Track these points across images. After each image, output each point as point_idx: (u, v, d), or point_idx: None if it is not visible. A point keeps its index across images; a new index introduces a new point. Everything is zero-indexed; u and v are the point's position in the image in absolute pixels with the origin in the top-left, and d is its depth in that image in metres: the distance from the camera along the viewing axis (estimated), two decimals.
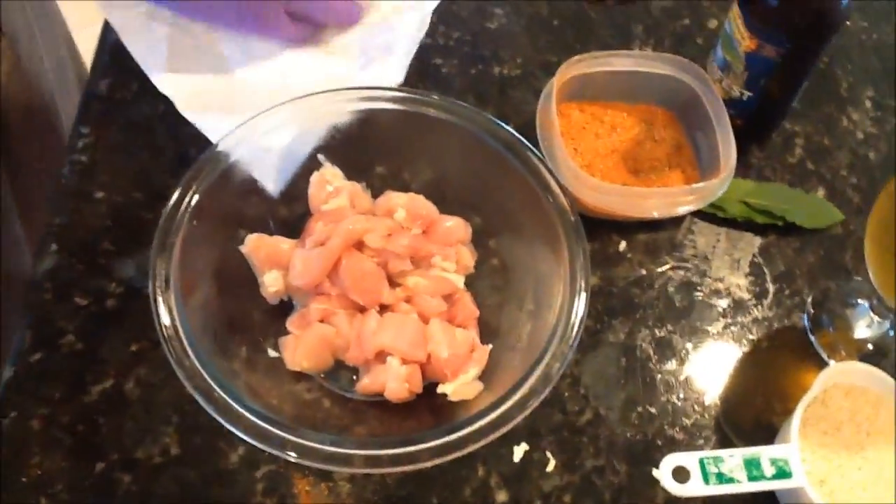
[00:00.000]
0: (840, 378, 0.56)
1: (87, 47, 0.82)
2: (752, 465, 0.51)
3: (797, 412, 0.53)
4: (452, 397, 0.54)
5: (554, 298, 0.54)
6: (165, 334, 0.50)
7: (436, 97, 0.60)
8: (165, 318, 0.51)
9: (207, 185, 0.56)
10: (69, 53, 0.92)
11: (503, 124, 0.59)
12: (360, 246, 0.57)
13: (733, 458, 0.51)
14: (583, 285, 0.54)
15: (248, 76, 0.69)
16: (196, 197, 0.55)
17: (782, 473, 0.51)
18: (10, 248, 0.79)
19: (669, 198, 0.65)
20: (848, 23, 0.83)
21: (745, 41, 0.65)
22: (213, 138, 0.63)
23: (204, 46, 0.69)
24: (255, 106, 0.59)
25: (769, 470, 0.51)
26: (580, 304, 0.53)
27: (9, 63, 0.75)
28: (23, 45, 0.79)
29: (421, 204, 0.60)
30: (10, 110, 0.76)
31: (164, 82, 0.66)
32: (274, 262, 0.58)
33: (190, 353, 0.50)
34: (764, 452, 0.52)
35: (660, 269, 0.66)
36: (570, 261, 0.54)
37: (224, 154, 0.57)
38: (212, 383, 0.48)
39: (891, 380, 0.55)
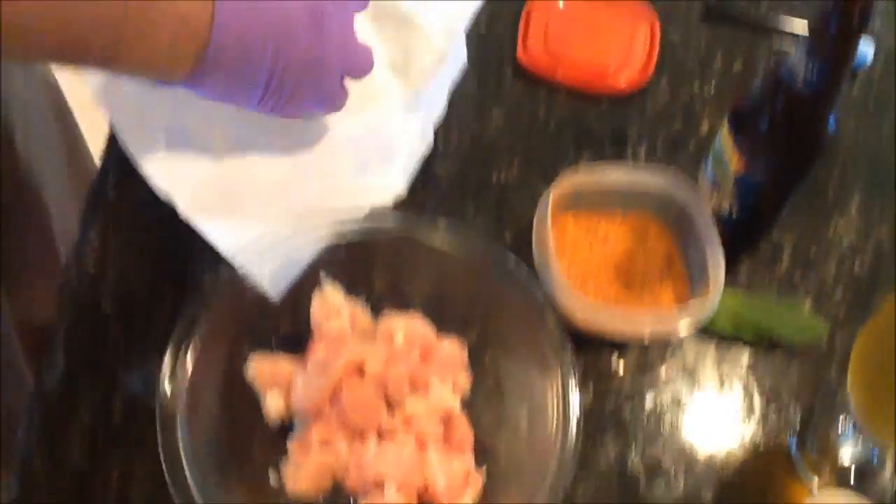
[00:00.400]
0: None
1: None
2: None
3: None
4: None
5: (545, 421, 0.56)
6: (167, 460, 0.52)
7: (435, 223, 0.62)
8: (170, 443, 0.52)
9: (215, 305, 0.58)
10: (66, 140, 0.94)
11: (500, 250, 0.61)
12: (360, 371, 0.59)
13: None
14: (575, 411, 0.56)
15: (248, 176, 0.70)
16: (205, 318, 0.57)
17: None
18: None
19: (660, 318, 0.67)
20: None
21: (735, 161, 0.68)
22: (216, 242, 0.65)
23: (203, 148, 0.70)
24: (256, 208, 0.62)
25: None
26: (572, 431, 0.55)
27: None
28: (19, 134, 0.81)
29: (419, 327, 0.62)
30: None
31: (163, 185, 0.68)
32: (276, 382, 0.60)
33: (189, 479, 0.51)
34: None
35: (649, 385, 0.68)
36: (562, 385, 0.56)
37: (232, 273, 0.59)
38: None
39: None
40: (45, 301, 0.89)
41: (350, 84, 0.70)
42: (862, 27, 0.56)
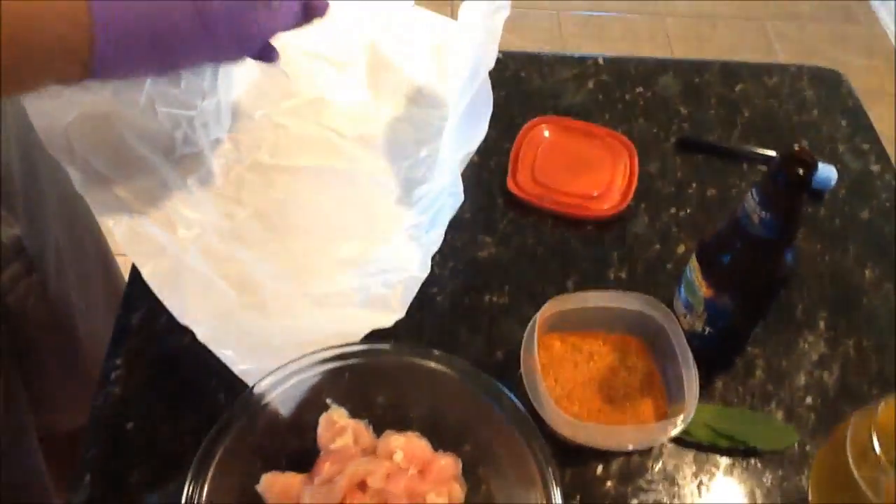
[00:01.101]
0: None
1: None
2: None
3: None
4: None
5: None
6: None
7: (427, 350, 0.69)
8: None
9: (236, 431, 0.64)
10: (102, 271, 1.02)
11: (485, 375, 0.68)
12: (363, 486, 0.65)
13: None
14: None
15: (261, 306, 0.78)
16: (224, 441, 0.63)
17: None
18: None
19: (641, 434, 0.73)
20: (803, 246, 0.93)
21: (703, 289, 0.74)
22: (232, 367, 0.72)
23: (218, 282, 0.78)
24: (269, 336, 0.69)
25: None
26: None
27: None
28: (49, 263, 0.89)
29: (416, 445, 0.68)
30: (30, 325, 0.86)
31: (183, 316, 0.75)
32: (286, 497, 0.66)
33: None
34: None
35: (633, 493, 0.73)
36: (545, 491, 0.62)
37: (254, 400, 0.65)
38: None
39: None
40: (70, 416, 0.96)
41: (359, 215, 0.79)
42: (804, 185, 0.64)
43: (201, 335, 0.72)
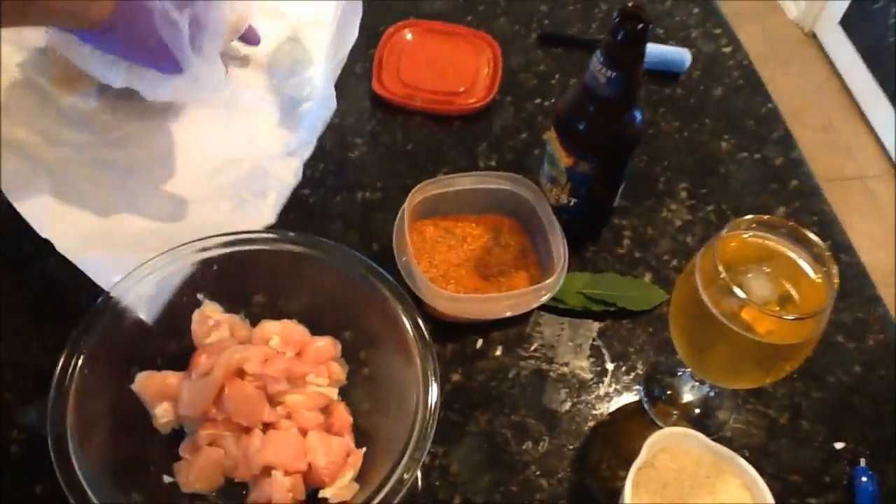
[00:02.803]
0: (665, 442, 0.66)
1: None
2: None
3: (629, 477, 0.62)
4: (332, 500, 0.61)
5: (409, 402, 0.62)
6: (65, 479, 0.56)
7: (298, 235, 0.69)
8: (65, 462, 0.56)
9: (100, 332, 0.63)
10: None
11: (358, 254, 0.68)
12: (240, 373, 0.65)
13: None
14: (433, 388, 0.62)
15: (125, 215, 0.76)
16: (89, 344, 0.62)
17: None
18: None
19: (515, 299, 0.75)
20: (663, 124, 0.96)
21: (564, 159, 0.77)
22: (94, 276, 0.70)
23: (81, 191, 0.76)
24: (136, 246, 0.67)
25: None
26: (429, 406, 0.61)
27: None
28: None
29: (293, 329, 0.68)
30: None
31: (45, 228, 0.73)
32: (164, 396, 0.65)
33: (91, 497, 0.55)
34: None
35: (513, 361, 0.75)
36: (422, 367, 0.63)
37: (114, 302, 0.64)
38: None
39: (705, 438, 0.65)
40: None
41: (233, 129, 0.78)
42: (642, 38, 0.66)
43: (60, 246, 0.70)
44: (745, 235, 0.63)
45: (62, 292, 0.74)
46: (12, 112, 0.77)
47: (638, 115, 0.74)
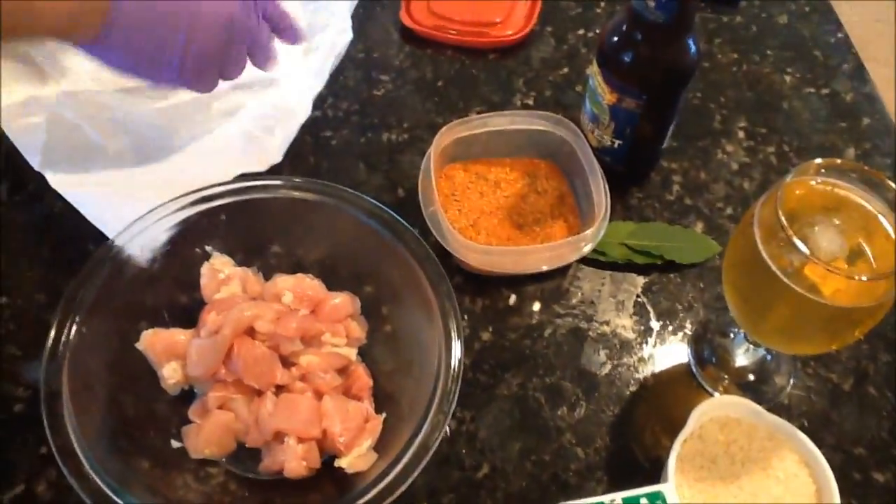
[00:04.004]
0: (715, 412, 0.60)
1: None
2: None
3: (673, 450, 0.57)
4: (349, 470, 0.57)
5: (432, 363, 0.57)
6: (56, 446, 0.52)
7: (310, 181, 0.63)
8: (59, 429, 0.53)
9: (100, 284, 0.58)
10: None
11: (376, 202, 0.62)
12: (251, 332, 0.60)
13: (614, 503, 0.54)
14: (456, 347, 0.57)
15: (134, 167, 0.71)
16: (89, 296, 0.57)
17: None
18: None
19: (552, 251, 0.68)
20: (719, 56, 0.88)
21: (607, 95, 0.69)
22: (106, 231, 0.66)
23: (92, 141, 0.71)
24: (142, 194, 0.63)
25: None
26: (452, 368, 0.56)
27: None
28: None
29: (307, 284, 0.63)
30: None
31: (54, 177, 0.68)
32: (172, 354, 0.61)
33: (85, 464, 0.52)
34: (643, 493, 0.55)
35: (549, 319, 0.69)
36: (444, 324, 0.57)
37: (116, 250, 0.59)
38: (107, 490, 0.50)
39: (759, 408, 0.59)
40: None
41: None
42: None
43: (55, 182, 0.65)
44: (812, 182, 0.56)
45: (68, 241, 0.70)
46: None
47: (692, 45, 0.66)
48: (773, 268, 0.52)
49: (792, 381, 0.66)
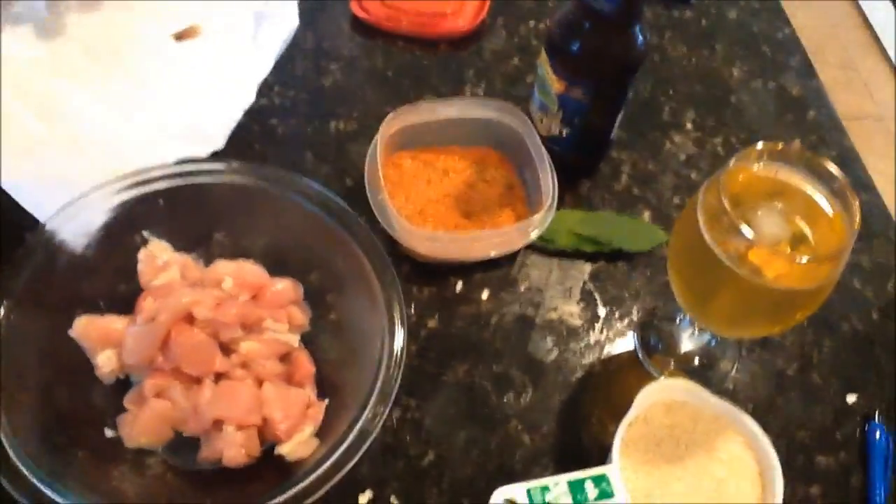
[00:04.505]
0: (660, 395, 0.59)
1: None
2: (576, 490, 0.54)
3: (618, 433, 0.56)
4: (289, 457, 0.56)
5: (374, 350, 0.56)
6: None
7: (250, 165, 0.62)
8: None
9: (30, 271, 0.56)
10: None
11: (322, 188, 0.61)
12: (190, 319, 0.58)
13: (558, 486, 0.54)
14: (398, 334, 0.56)
15: (70, 153, 0.69)
16: (17, 284, 0.56)
17: (604, 494, 0.54)
18: None
19: (499, 237, 0.68)
20: (669, 49, 0.88)
21: (556, 84, 0.69)
22: (41, 217, 0.64)
23: (28, 127, 0.69)
24: (78, 179, 0.61)
25: (593, 492, 0.54)
26: (394, 353, 0.55)
27: None
28: None
29: (248, 270, 0.61)
30: None
31: None
32: (107, 342, 0.59)
33: (12, 455, 0.50)
34: (587, 476, 0.54)
35: (496, 306, 0.68)
36: (387, 312, 0.57)
37: (47, 238, 0.57)
38: (42, 486, 0.49)
39: (705, 391, 0.59)
40: None
41: (193, 50, 0.70)
42: None
43: None
44: (754, 168, 0.56)
45: (8, 223, 0.67)
46: None
47: (639, 36, 0.66)
48: (717, 252, 0.52)
49: (737, 366, 0.67)
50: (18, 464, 0.49)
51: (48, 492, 0.49)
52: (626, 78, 0.68)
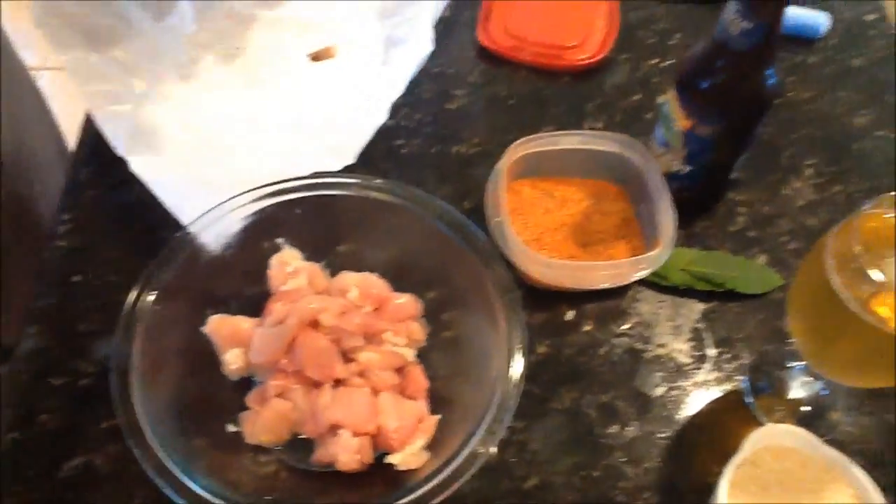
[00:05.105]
0: (769, 440, 0.59)
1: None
2: None
3: (725, 473, 0.56)
4: (400, 466, 0.57)
5: (491, 371, 0.57)
6: (125, 418, 0.54)
7: (387, 182, 0.64)
8: (126, 402, 0.54)
9: (174, 269, 0.60)
10: (49, 132, 0.98)
11: (450, 207, 0.64)
12: (315, 325, 0.61)
13: None
14: (517, 358, 0.57)
15: (214, 160, 0.74)
16: (162, 281, 0.59)
17: None
18: None
19: (614, 269, 0.69)
20: (792, 94, 0.88)
21: (681, 120, 0.70)
22: (182, 219, 0.68)
23: (174, 134, 0.74)
24: (219, 185, 0.65)
25: None
26: (513, 376, 0.57)
27: None
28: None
29: (373, 283, 0.64)
30: None
31: (136, 163, 0.71)
32: (235, 341, 0.62)
33: (149, 435, 0.53)
34: None
35: (606, 337, 0.69)
36: (507, 336, 0.58)
37: (191, 238, 0.61)
38: (169, 464, 0.52)
39: (816, 440, 0.58)
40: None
41: (331, 70, 0.73)
42: None
43: (136, 167, 0.68)
44: (886, 215, 0.55)
45: (145, 225, 0.72)
46: (102, 33, 0.74)
47: (772, 76, 0.66)
48: (843, 297, 0.52)
49: (848, 418, 0.66)
50: (153, 442, 0.53)
51: (176, 472, 0.52)
52: (755, 117, 0.68)
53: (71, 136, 1.00)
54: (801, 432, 0.59)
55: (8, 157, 0.82)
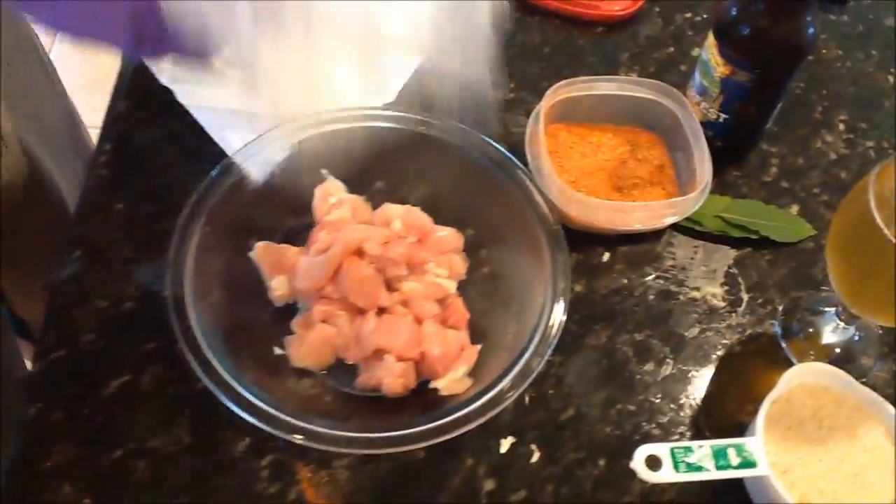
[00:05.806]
0: (804, 378, 0.60)
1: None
2: (719, 456, 0.55)
3: (763, 408, 0.57)
4: (443, 391, 0.58)
5: (535, 302, 0.58)
6: (182, 332, 0.55)
7: (430, 116, 0.65)
8: (182, 319, 0.55)
9: (220, 196, 0.61)
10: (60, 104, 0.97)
11: (493, 142, 0.64)
12: (359, 253, 0.62)
13: (702, 449, 0.55)
14: (561, 290, 0.58)
15: (257, 92, 0.74)
16: (209, 207, 0.60)
17: (747, 463, 0.55)
18: None
19: (650, 211, 0.70)
20: (824, 51, 0.88)
21: (720, 67, 0.70)
22: (226, 148, 0.69)
23: (216, 68, 0.74)
24: (262, 114, 0.65)
25: (735, 460, 0.55)
26: (559, 307, 0.58)
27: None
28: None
29: (416, 215, 0.65)
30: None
31: (181, 92, 0.71)
32: (280, 268, 0.63)
33: (204, 348, 0.54)
34: (730, 444, 0.56)
35: (640, 279, 0.70)
36: (552, 268, 0.59)
37: (236, 167, 0.62)
38: (225, 376, 0.53)
39: (850, 378, 0.59)
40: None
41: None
42: None
43: (182, 96, 0.68)
44: None
45: (183, 158, 0.72)
46: None
47: (810, 23, 0.67)
48: (887, 232, 0.53)
49: (879, 363, 0.67)
50: (209, 356, 0.53)
51: (233, 382, 0.53)
52: (793, 65, 0.69)
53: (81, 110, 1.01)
54: (835, 371, 0.60)
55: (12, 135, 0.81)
